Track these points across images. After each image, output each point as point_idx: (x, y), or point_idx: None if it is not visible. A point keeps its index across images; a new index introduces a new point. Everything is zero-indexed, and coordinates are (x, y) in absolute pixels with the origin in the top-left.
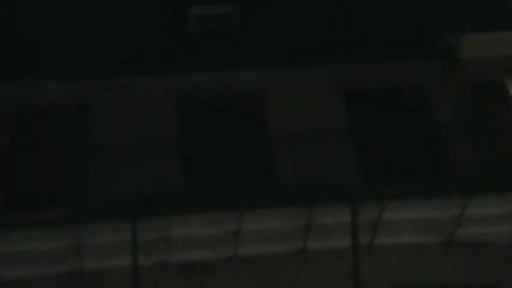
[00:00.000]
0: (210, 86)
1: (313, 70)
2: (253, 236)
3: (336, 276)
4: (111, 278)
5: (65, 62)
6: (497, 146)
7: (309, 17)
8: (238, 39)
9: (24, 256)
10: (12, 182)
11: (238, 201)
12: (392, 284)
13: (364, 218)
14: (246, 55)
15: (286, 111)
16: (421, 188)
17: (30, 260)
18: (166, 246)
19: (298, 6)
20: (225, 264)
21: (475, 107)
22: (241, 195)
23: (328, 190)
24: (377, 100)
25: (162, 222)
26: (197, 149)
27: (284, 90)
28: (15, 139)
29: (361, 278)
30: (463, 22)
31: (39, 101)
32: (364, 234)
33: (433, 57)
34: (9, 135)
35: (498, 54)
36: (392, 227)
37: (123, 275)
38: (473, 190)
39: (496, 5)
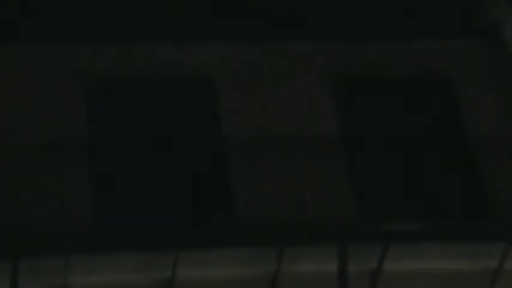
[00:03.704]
0: (134, 65)
1: (288, 49)
2: None
3: None
4: None
5: None
6: None
7: None
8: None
9: None
10: None
11: (173, 239)
12: None
13: (357, 267)
14: (187, 22)
15: (247, 108)
16: (443, 227)
17: None
18: None
19: None
20: None
21: None
22: (178, 229)
23: (306, 226)
24: (383, 96)
25: (57, 265)
26: (114, 158)
27: (244, 76)
28: None
29: None
30: None
31: None
32: None
33: (467, 37)
34: None
35: None
36: (399, 282)
37: None
38: None
39: None
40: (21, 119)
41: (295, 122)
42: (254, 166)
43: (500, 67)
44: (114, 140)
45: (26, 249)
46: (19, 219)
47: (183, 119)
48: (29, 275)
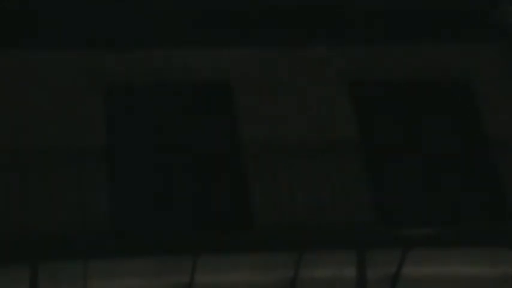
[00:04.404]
0: (151, 69)
1: (306, 53)
2: None
3: None
4: None
5: None
6: None
7: None
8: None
9: None
10: None
11: (191, 243)
12: None
13: (376, 273)
14: (204, 27)
15: (265, 112)
16: (462, 232)
17: None
18: None
19: None
20: None
21: None
22: (196, 234)
23: (324, 231)
24: (401, 99)
25: (76, 269)
26: (132, 163)
27: (262, 81)
28: None
29: None
30: None
31: None
32: None
33: (484, 39)
34: None
35: None
36: (418, 287)
37: None
38: None
39: None
40: (39, 124)
41: (313, 126)
42: (272, 171)
43: None
44: (132, 145)
45: (45, 254)
46: (38, 224)
47: (200, 124)
48: (48, 279)
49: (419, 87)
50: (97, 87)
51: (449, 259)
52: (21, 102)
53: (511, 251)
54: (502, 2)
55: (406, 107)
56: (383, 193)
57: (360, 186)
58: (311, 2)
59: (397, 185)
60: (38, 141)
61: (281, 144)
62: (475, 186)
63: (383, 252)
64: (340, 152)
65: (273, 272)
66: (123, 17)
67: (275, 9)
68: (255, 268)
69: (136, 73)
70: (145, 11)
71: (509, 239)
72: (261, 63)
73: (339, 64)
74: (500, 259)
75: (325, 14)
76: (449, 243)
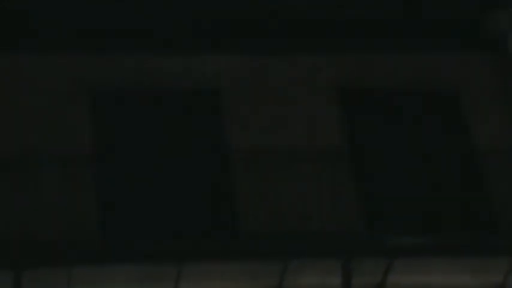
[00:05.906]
0: (141, 76)
1: (296, 60)
2: None
3: None
4: None
5: None
6: None
7: None
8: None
9: None
10: None
11: (177, 251)
12: None
13: (361, 282)
14: (195, 35)
15: (254, 120)
16: (447, 241)
17: None
18: None
19: None
20: None
21: None
22: (182, 242)
23: (309, 240)
24: (390, 108)
25: (61, 276)
26: (119, 170)
27: (252, 88)
28: None
29: None
30: None
31: None
32: None
33: (471, 48)
34: None
35: None
36: None
37: None
38: None
39: None
40: (27, 129)
41: (302, 134)
42: (259, 178)
43: (509, 79)
44: (121, 151)
45: (29, 261)
46: (24, 229)
47: (189, 130)
48: (32, 285)
49: (408, 96)
50: (86, 92)
51: (434, 268)
52: (9, 107)
53: (495, 261)
54: (492, 11)
55: (395, 115)
56: (371, 202)
57: (348, 195)
58: (301, 11)
59: (385, 194)
60: (25, 145)
61: (270, 152)
62: (463, 195)
63: (369, 261)
64: (329, 160)
65: (259, 280)
66: (114, 23)
67: (266, 17)
68: (241, 276)
69: (126, 79)
70: (136, 18)
71: (494, 248)
72: (251, 71)
73: (329, 72)
74: (485, 268)
75: (315, 23)
76: (434, 253)
